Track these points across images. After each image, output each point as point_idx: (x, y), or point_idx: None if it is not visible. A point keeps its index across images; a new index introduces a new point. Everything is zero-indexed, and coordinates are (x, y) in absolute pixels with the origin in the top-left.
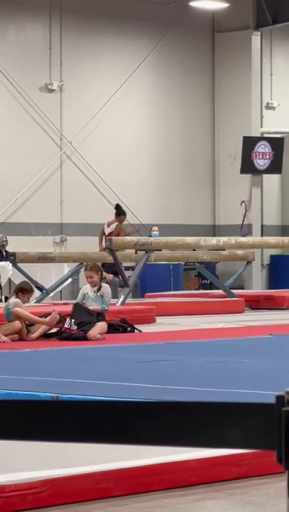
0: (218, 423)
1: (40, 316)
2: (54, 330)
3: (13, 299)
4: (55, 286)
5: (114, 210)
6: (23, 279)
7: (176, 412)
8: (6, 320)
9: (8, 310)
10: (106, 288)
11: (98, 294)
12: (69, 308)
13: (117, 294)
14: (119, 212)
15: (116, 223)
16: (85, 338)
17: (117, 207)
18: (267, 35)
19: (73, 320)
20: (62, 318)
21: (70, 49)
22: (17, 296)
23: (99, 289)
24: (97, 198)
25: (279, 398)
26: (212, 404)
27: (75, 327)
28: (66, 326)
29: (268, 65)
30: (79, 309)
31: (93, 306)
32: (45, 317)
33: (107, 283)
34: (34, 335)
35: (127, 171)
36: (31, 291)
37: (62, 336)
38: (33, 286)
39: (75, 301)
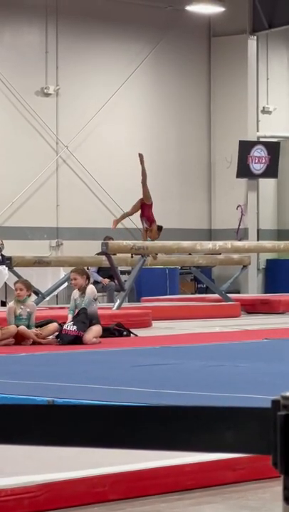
0: (214, 427)
1: (39, 325)
2: (53, 336)
3: (10, 303)
4: (51, 290)
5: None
6: None
7: (172, 417)
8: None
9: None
10: (89, 288)
11: (83, 296)
12: (64, 312)
13: (113, 298)
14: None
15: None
16: (81, 342)
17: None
18: (263, 39)
19: (72, 323)
20: (60, 325)
21: (66, 53)
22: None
23: (83, 292)
24: (93, 202)
25: (274, 403)
26: (208, 409)
27: (75, 327)
28: (65, 327)
29: (264, 69)
30: (81, 314)
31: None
32: (44, 325)
33: (102, 287)
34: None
35: (122, 175)
36: (22, 282)
37: (61, 337)
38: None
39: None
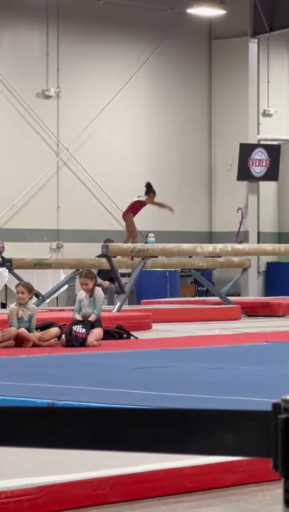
0: (215, 430)
1: (40, 327)
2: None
3: (11, 305)
4: (51, 293)
5: (145, 189)
6: None
7: (172, 420)
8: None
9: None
10: (98, 291)
11: (91, 299)
12: (65, 315)
13: (113, 300)
14: (151, 190)
15: (146, 198)
16: (83, 343)
17: (149, 186)
18: (264, 42)
19: (82, 326)
20: (60, 328)
21: (67, 55)
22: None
23: (92, 295)
24: (93, 205)
25: (275, 406)
26: (208, 412)
27: (84, 330)
28: (75, 329)
29: (265, 72)
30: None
31: (90, 316)
32: (45, 327)
33: (103, 290)
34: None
35: (123, 177)
36: (23, 286)
37: (72, 338)
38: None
39: (71, 308)
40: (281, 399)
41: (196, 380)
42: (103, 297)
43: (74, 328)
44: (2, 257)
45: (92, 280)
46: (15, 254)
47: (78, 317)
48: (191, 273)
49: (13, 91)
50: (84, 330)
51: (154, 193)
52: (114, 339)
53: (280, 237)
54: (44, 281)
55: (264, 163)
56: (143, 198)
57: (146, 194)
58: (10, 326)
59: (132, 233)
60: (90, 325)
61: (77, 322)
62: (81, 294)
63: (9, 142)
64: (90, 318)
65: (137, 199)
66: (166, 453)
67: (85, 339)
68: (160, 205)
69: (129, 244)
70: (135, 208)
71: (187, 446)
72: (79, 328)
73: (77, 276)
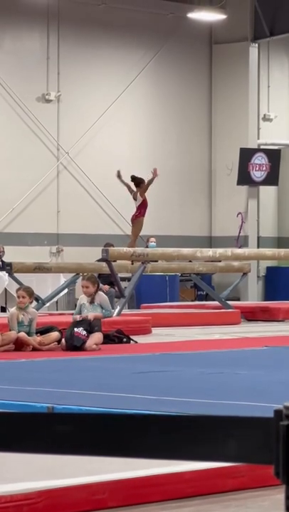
0: (216, 437)
1: (40, 331)
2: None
3: (12, 309)
4: (51, 297)
5: (132, 182)
6: None
7: (173, 426)
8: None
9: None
10: (101, 296)
11: (95, 303)
12: (65, 319)
13: (113, 304)
14: (137, 181)
15: (138, 193)
16: (83, 345)
17: (133, 178)
18: (264, 47)
19: (82, 328)
20: (60, 332)
21: (67, 59)
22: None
23: (93, 300)
24: (93, 209)
25: (277, 412)
26: (210, 418)
27: (85, 332)
28: (77, 330)
29: (265, 76)
30: (85, 322)
31: (95, 313)
32: (45, 331)
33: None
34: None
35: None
36: (24, 290)
37: (74, 339)
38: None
39: (71, 312)
40: (283, 406)
41: (195, 384)
42: (108, 299)
43: (76, 329)
44: (2, 261)
45: (93, 285)
46: (15, 258)
47: (77, 318)
48: (190, 277)
49: (14, 94)
50: (85, 332)
51: (142, 181)
52: (114, 343)
53: (280, 242)
54: (44, 285)
55: (264, 168)
56: (139, 200)
57: (137, 186)
58: (10, 330)
59: (136, 237)
60: (89, 325)
61: (78, 324)
62: (82, 299)
63: (9, 146)
64: (96, 315)
65: (136, 202)
66: (167, 459)
67: (85, 342)
68: (152, 179)
69: (129, 249)
70: (141, 212)
71: (188, 452)
72: (81, 330)
73: (78, 280)
